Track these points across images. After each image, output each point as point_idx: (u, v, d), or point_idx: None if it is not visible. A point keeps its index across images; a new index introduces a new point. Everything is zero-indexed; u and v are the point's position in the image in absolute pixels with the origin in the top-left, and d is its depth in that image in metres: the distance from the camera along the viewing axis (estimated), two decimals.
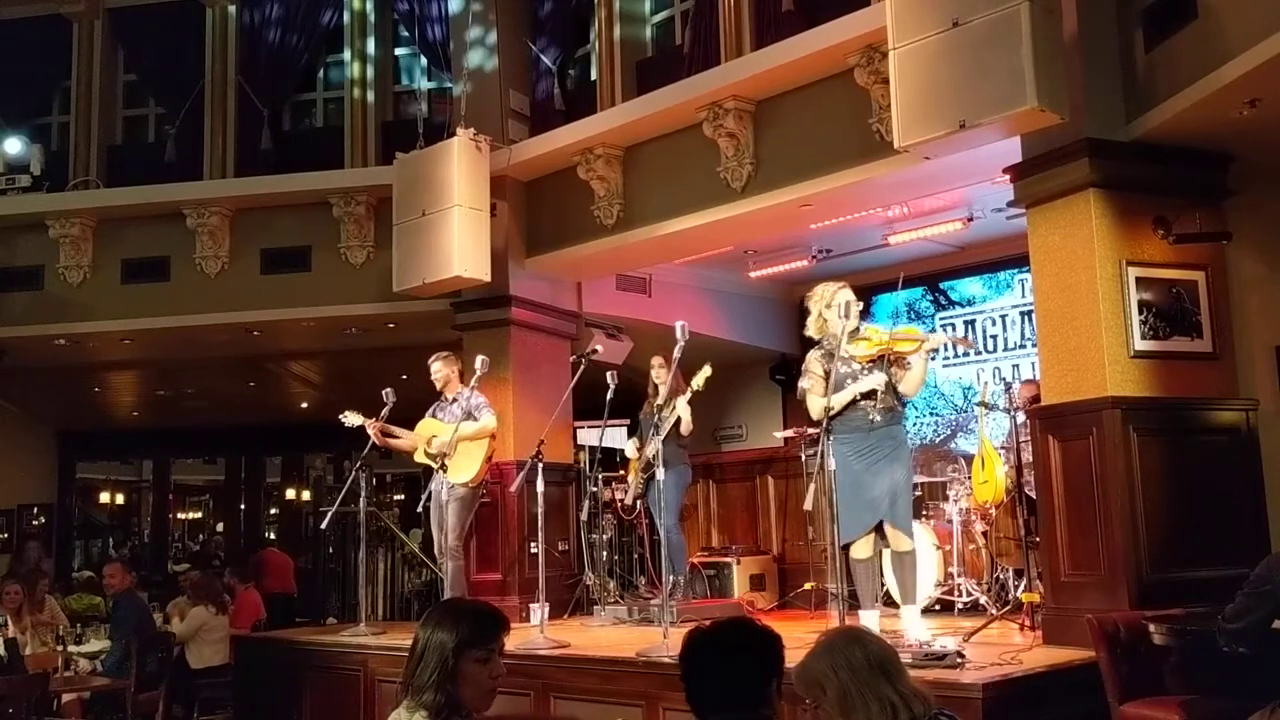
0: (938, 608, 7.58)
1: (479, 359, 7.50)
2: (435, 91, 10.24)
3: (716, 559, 9.52)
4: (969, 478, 7.55)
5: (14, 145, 9.88)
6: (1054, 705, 4.82)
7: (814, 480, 5.22)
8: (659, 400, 7.42)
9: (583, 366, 7.49)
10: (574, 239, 8.67)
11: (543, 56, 9.26)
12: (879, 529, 5.60)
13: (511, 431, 8.49)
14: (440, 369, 7.68)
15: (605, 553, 8.65)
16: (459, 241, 8.11)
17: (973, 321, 9.48)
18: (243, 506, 15.92)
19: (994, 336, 9.36)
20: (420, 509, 7.94)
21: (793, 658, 2.56)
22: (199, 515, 18.87)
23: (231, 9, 10.45)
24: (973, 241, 8.92)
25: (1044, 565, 5.98)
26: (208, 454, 16.49)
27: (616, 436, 9.00)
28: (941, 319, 9.66)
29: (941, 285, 9.74)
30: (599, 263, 8.92)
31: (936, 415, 9.69)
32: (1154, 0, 5.58)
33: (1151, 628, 4.60)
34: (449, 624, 2.67)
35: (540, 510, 6.88)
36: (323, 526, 9.15)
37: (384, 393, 7.58)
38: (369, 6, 10.39)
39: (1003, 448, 7.32)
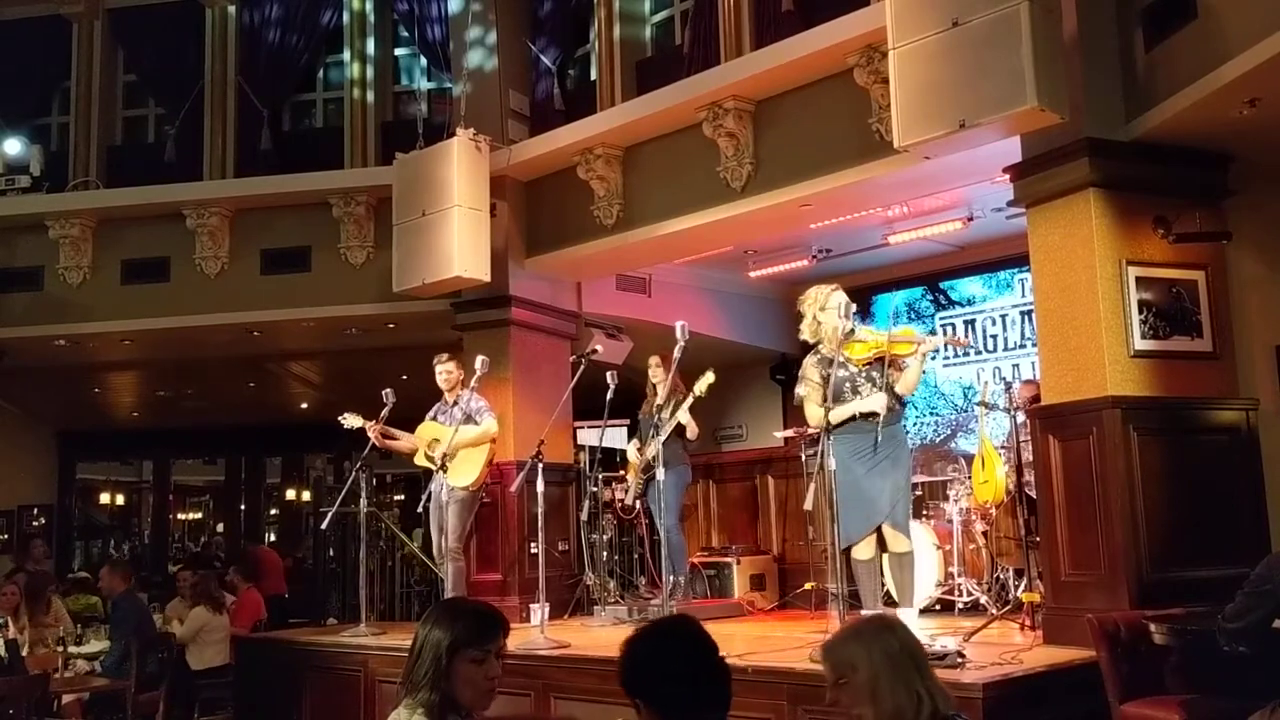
0: (938, 608, 7.58)
1: (479, 359, 7.50)
2: (435, 92, 10.25)
3: (716, 559, 9.52)
4: (969, 477, 7.55)
5: (14, 146, 9.89)
6: (1054, 705, 4.81)
7: (814, 480, 5.23)
8: (658, 400, 7.43)
9: (583, 366, 7.49)
10: (574, 239, 8.67)
11: (542, 56, 9.26)
12: (879, 530, 5.60)
13: (511, 432, 8.49)
14: (450, 370, 7.68)
15: (605, 553, 8.65)
16: (459, 242, 8.11)
17: (973, 321, 9.48)
18: (243, 507, 15.92)
19: (994, 336, 9.37)
20: (420, 510, 7.94)
21: (792, 659, 2.56)
22: (199, 516, 18.86)
23: (231, 9, 10.46)
24: (973, 241, 8.92)
25: (1044, 565, 5.98)
26: (208, 454, 16.48)
27: (616, 437, 9.01)
28: (941, 319, 9.66)
29: (941, 285, 9.74)
30: (599, 263, 8.92)
31: (936, 415, 9.69)
32: (1154, 0, 5.58)
33: (1152, 627, 4.60)
34: (446, 623, 2.67)
35: (540, 510, 6.88)
36: (323, 527, 9.15)
37: (384, 393, 7.58)
38: (369, 7, 10.39)
39: (1003, 447, 7.32)
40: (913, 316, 9.66)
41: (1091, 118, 5.62)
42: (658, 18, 9.06)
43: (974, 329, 9.42)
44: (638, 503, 8.05)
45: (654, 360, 7.84)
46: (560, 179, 8.80)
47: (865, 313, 9.40)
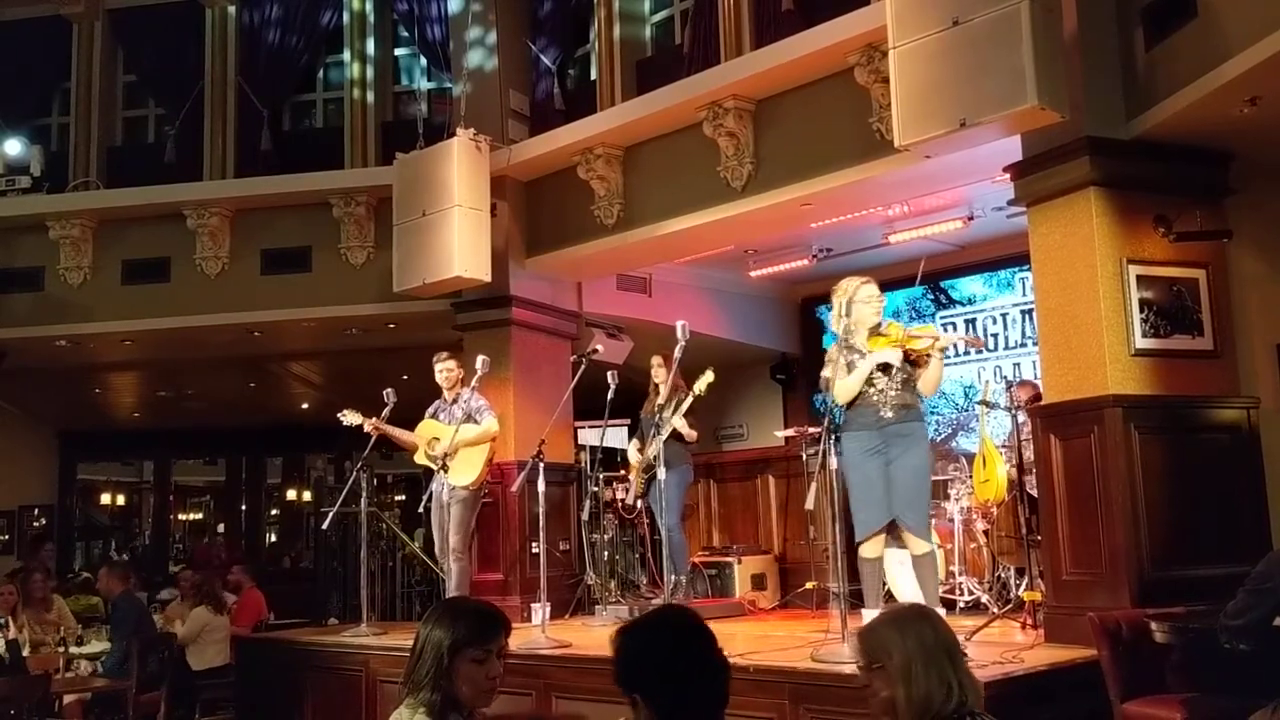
0: (939, 607, 7.57)
1: (480, 359, 7.50)
2: (435, 92, 10.25)
3: (718, 558, 9.52)
4: (970, 476, 7.55)
5: (14, 146, 9.88)
6: (1056, 704, 4.81)
7: (815, 479, 5.21)
8: (659, 400, 7.43)
9: (583, 366, 7.49)
10: (574, 239, 8.67)
11: (542, 56, 9.26)
12: (890, 528, 5.54)
13: (512, 431, 8.49)
14: (451, 369, 7.68)
15: (606, 552, 8.65)
16: (459, 242, 8.11)
17: (973, 320, 9.48)
18: (244, 507, 15.92)
19: (995, 335, 9.36)
20: (421, 510, 7.94)
21: (794, 658, 2.56)
22: (200, 516, 18.85)
23: (231, 10, 10.47)
24: (973, 240, 8.92)
25: (1045, 564, 5.99)
26: (208, 455, 16.47)
27: (617, 436, 9.01)
28: (942, 318, 9.66)
29: (942, 284, 9.74)
30: (599, 262, 8.92)
31: (937, 414, 9.68)
32: None
33: (1153, 626, 4.61)
34: (447, 623, 2.68)
35: (541, 510, 6.88)
36: (324, 527, 9.13)
37: (385, 393, 7.59)
38: (368, 7, 10.40)
39: (1004, 446, 7.32)
40: (913, 316, 9.66)
41: (1092, 116, 5.63)
42: (657, 17, 9.07)
43: (974, 328, 9.41)
44: (639, 502, 8.05)
45: (656, 360, 7.84)
46: (560, 179, 8.80)
47: None
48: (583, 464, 8.97)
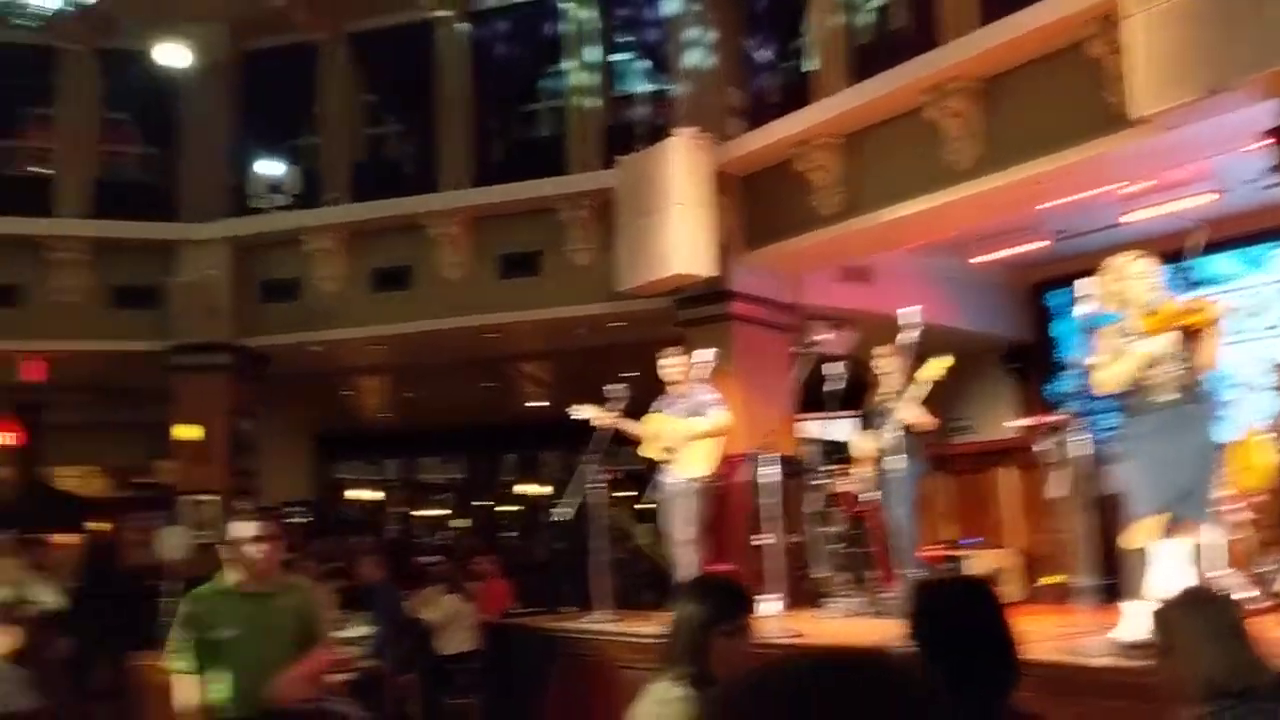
0: None
1: (706, 353, 7.58)
2: (654, 94, 10.43)
3: (950, 552, 9.29)
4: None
5: (274, 168, 10.69)
6: None
7: (1061, 468, 5.01)
8: (887, 391, 7.31)
9: (806, 359, 7.46)
10: (794, 230, 8.66)
11: (759, 51, 9.29)
12: (1167, 517, 5.16)
13: (736, 425, 8.54)
14: (675, 365, 7.80)
15: (834, 545, 8.58)
16: (680, 239, 8.25)
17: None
18: (481, 503, 16.65)
19: (1253, 315, 8.74)
20: (650, 503, 8.09)
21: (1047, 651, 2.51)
22: (441, 511, 19.80)
23: (461, 27, 10.94)
24: (1222, 215, 8.35)
25: None
26: (449, 453, 17.32)
27: (843, 429, 8.91)
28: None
29: (1187, 262, 9.14)
30: (820, 253, 8.88)
31: None
32: None
33: None
34: (697, 600, 2.77)
35: (768, 503, 6.90)
36: (557, 518, 9.45)
37: (615, 387, 7.76)
38: (589, 15, 10.66)
39: (1272, 430, 6.78)
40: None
41: None
42: (876, 2, 8.93)
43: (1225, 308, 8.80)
44: (868, 495, 7.95)
45: (881, 350, 7.72)
46: (779, 171, 8.81)
47: None
48: (809, 457, 8.92)
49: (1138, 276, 5.22)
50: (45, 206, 10.82)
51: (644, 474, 10.80)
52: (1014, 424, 9.38)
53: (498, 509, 17.05)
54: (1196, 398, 5.10)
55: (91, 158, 11.13)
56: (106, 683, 8.13)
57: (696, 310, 9.02)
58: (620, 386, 7.76)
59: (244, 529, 4.27)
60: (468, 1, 10.83)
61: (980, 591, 2.42)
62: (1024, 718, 2.33)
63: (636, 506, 13.41)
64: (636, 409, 7.99)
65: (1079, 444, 4.97)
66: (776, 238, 8.83)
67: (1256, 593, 6.82)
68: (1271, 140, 5.67)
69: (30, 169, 11.35)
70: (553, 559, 11.72)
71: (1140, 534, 5.12)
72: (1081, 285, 5.47)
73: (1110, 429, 5.30)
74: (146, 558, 13.11)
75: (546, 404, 13.56)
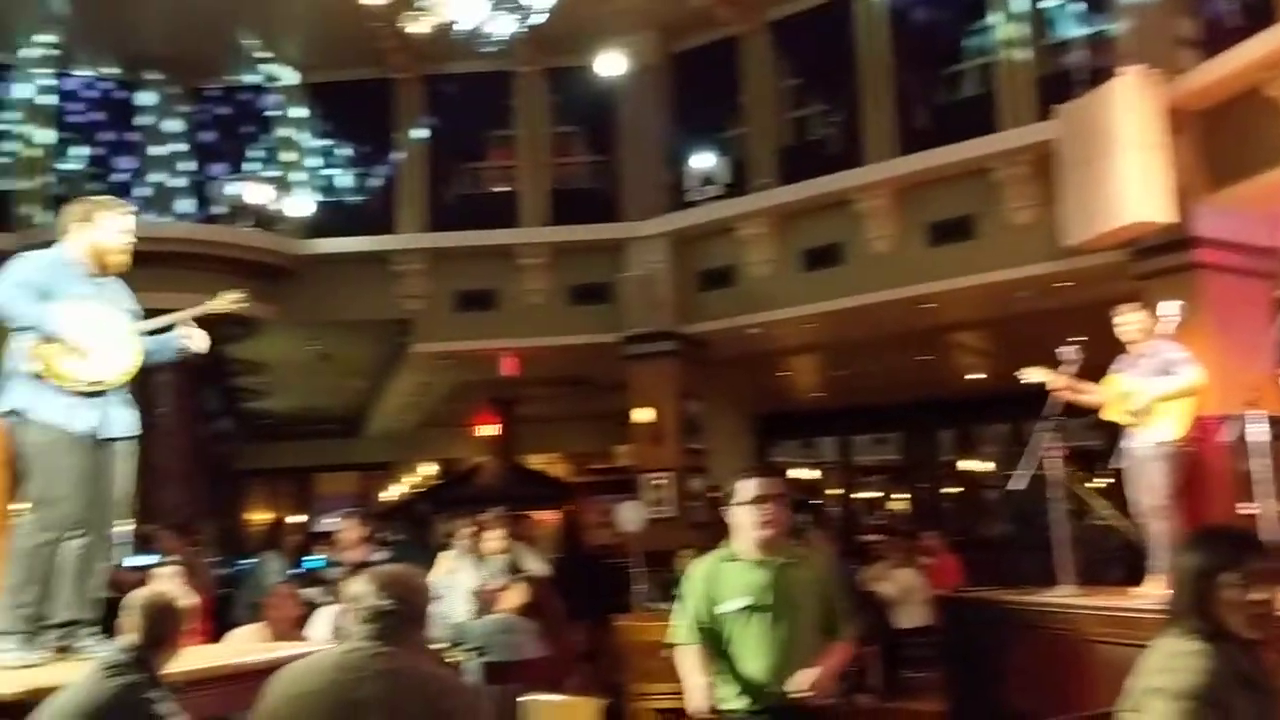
0: None
1: (1170, 307, 6.98)
2: (1090, 36, 9.74)
3: None
4: None
5: (705, 161, 11.20)
6: None
7: None
8: None
9: None
10: (1268, 164, 7.74)
11: None
12: None
13: (1209, 383, 7.80)
14: (1135, 322, 7.27)
15: None
16: (1132, 186, 7.68)
17: None
18: (919, 481, 16.44)
19: None
20: (1113, 470, 7.59)
21: None
22: (875, 493, 19.75)
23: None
24: None
25: None
26: (882, 431, 17.27)
27: None
28: None
29: None
30: None
31: None
32: None
33: None
34: (1199, 549, 2.60)
35: (1258, 467, 6.24)
36: (1010, 489, 9.12)
37: (1067, 349, 7.36)
38: None
39: None
40: None
41: None
42: None
43: None
44: None
45: None
46: (1245, 101, 7.91)
47: None
48: None
49: None
50: (512, 218, 12.03)
51: (1095, 450, 10.16)
52: None
53: (938, 487, 16.73)
54: None
55: (546, 170, 12.24)
56: (584, 644, 8.91)
57: (1155, 261, 8.34)
58: (1072, 349, 7.35)
59: (752, 488, 3.74)
60: None
61: None
62: None
63: (1094, 480, 12.66)
64: (1088, 374, 7.52)
65: None
66: (1246, 174, 7.94)
67: None
68: None
69: (497, 188, 12.66)
70: (1011, 534, 11.32)
71: None
72: None
73: None
74: (607, 536, 14.27)
75: (985, 376, 13.14)
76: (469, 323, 11.97)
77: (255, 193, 11.60)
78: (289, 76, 12.21)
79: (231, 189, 11.60)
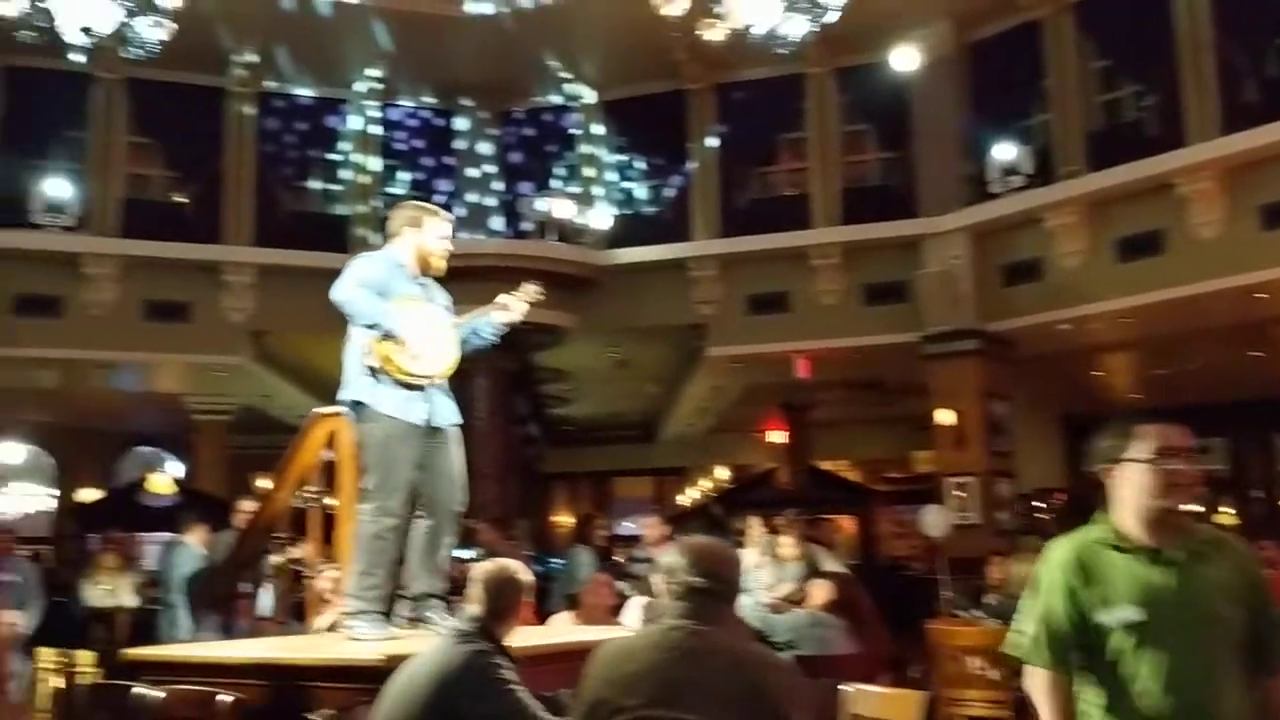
0: None
1: None
2: None
3: None
4: None
5: (1006, 151, 10.74)
6: None
7: None
8: None
9: None
10: None
11: None
12: None
13: None
14: None
15: None
16: None
17: None
18: (1250, 489, 15.02)
19: None
20: None
21: None
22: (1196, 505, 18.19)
23: None
24: None
25: None
26: (1206, 435, 15.88)
27: None
28: None
29: None
30: None
31: None
32: None
33: None
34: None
35: None
36: None
37: None
38: None
39: None
40: None
41: None
42: None
43: None
44: None
45: None
46: None
47: None
48: None
49: None
50: (803, 220, 12.02)
51: None
52: None
53: (1274, 496, 15.22)
54: None
55: (837, 170, 12.13)
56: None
57: None
58: None
59: (1153, 436, 2.58)
60: None
61: None
62: None
63: None
64: None
65: None
66: None
67: None
68: None
69: (788, 190, 12.69)
70: None
71: None
72: None
73: None
74: (904, 547, 13.96)
75: None
76: (762, 325, 12.05)
77: (560, 208, 12.15)
78: (588, 95, 12.76)
79: (538, 205, 12.19)
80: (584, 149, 12.84)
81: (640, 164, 12.99)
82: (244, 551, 6.24)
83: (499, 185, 13.02)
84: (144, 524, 13.05)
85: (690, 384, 14.59)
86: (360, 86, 12.53)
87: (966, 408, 11.11)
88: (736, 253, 12.00)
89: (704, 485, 20.74)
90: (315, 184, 12.91)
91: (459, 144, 13.05)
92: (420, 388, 4.43)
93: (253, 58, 11.92)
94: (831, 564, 9.46)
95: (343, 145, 12.76)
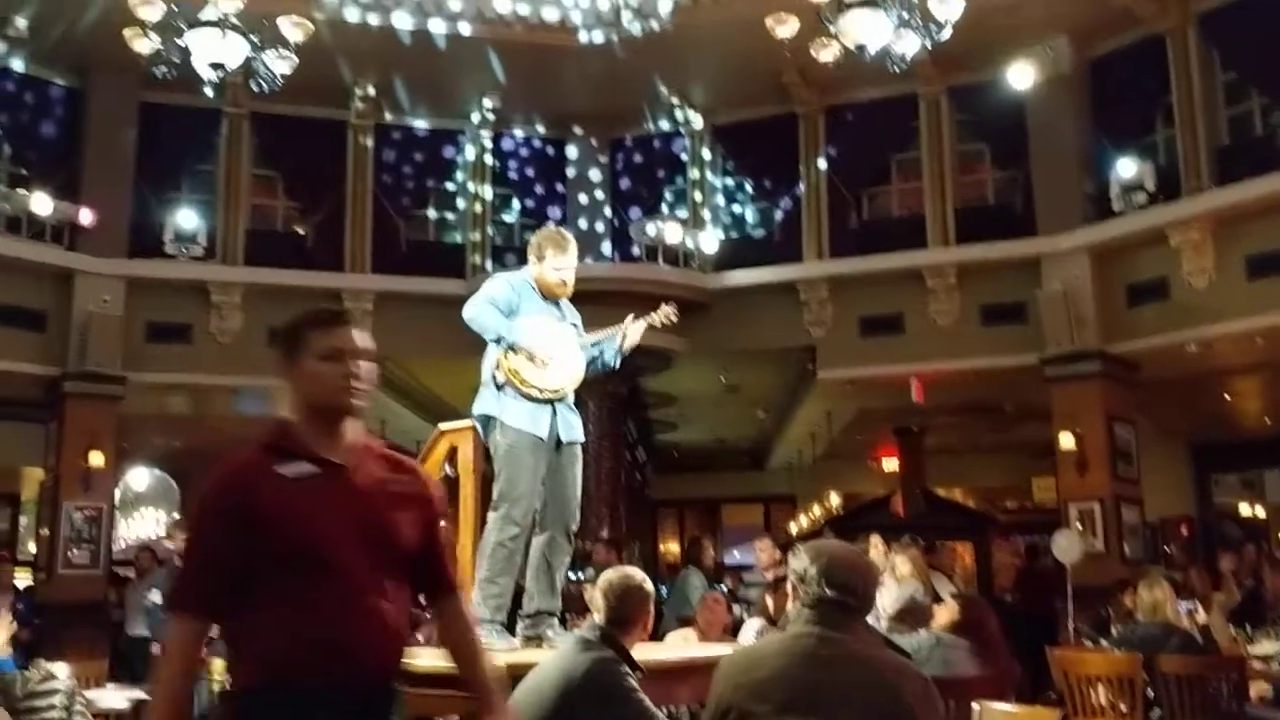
0: None
1: None
2: None
3: None
4: None
5: (1128, 168, 10.42)
6: None
7: None
8: None
9: None
10: None
11: None
12: None
13: None
14: None
15: None
16: None
17: None
18: None
19: None
20: None
21: None
22: None
23: None
24: None
25: None
26: None
27: None
28: None
29: None
30: None
31: None
32: None
33: None
34: None
35: None
36: None
37: None
38: None
39: None
40: None
41: None
42: None
43: None
44: None
45: None
46: None
47: None
48: None
49: None
50: (916, 240, 11.84)
51: None
52: None
53: None
54: None
55: (951, 190, 11.92)
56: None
57: None
58: None
59: None
60: None
61: None
62: None
63: None
64: None
65: None
66: None
67: None
68: None
69: (899, 211, 12.55)
70: None
71: None
72: None
73: None
74: (1020, 576, 13.54)
75: None
76: (874, 348, 11.89)
77: (670, 232, 12.19)
78: (697, 121, 12.82)
79: (649, 230, 12.26)
80: (693, 173, 12.89)
81: (750, 187, 12.99)
82: None
83: (609, 211, 13.15)
84: None
85: (800, 408, 14.46)
86: (475, 116, 12.79)
87: (1089, 432, 10.76)
88: (848, 274, 11.89)
89: (815, 513, 20.49)
90: (431, 212, 13.23)
91: (570, 171, 13.24)
92: (547, 402, 4.53)
93: (371, 90, 12.28)
94: (949, 589, 9.26)
95: (458, 174, 13.04)
